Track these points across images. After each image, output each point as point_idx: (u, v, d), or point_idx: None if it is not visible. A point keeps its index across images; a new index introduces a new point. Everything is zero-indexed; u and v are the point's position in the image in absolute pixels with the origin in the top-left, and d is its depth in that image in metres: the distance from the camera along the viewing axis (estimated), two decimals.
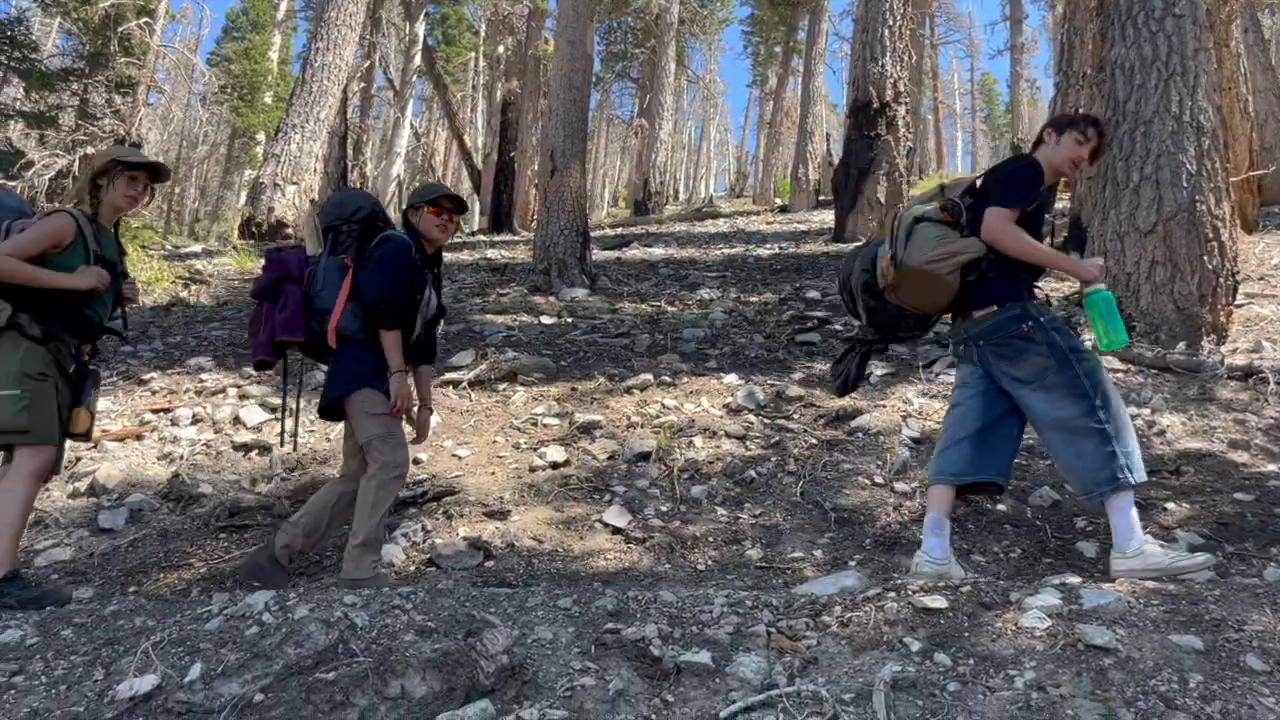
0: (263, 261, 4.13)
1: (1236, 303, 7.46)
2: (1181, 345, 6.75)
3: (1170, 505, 4.67)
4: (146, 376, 7.00)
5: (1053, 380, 3.60)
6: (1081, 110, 8.85)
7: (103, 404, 6.44)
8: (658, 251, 15.37)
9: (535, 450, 5.68)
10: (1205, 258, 6.95)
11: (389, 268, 3.95)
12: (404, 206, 4.32)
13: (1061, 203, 16.68)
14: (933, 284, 3.70)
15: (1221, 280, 7.00)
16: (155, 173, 3.97)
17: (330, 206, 4.18)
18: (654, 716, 2.34)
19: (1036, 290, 3.86)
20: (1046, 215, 3.92)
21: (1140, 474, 3.53)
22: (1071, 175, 3.91)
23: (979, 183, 3.82)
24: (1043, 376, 3.61)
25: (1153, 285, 7.03)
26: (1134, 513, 3.54)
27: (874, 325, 4.10)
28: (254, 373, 6.97)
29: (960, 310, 3.85)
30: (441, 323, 4.48)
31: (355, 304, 3.93)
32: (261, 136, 34.37)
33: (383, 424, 3.90)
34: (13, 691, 2.55)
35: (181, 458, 5.68)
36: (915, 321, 4.05)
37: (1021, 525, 4.58)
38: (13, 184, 16.52)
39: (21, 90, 22.00)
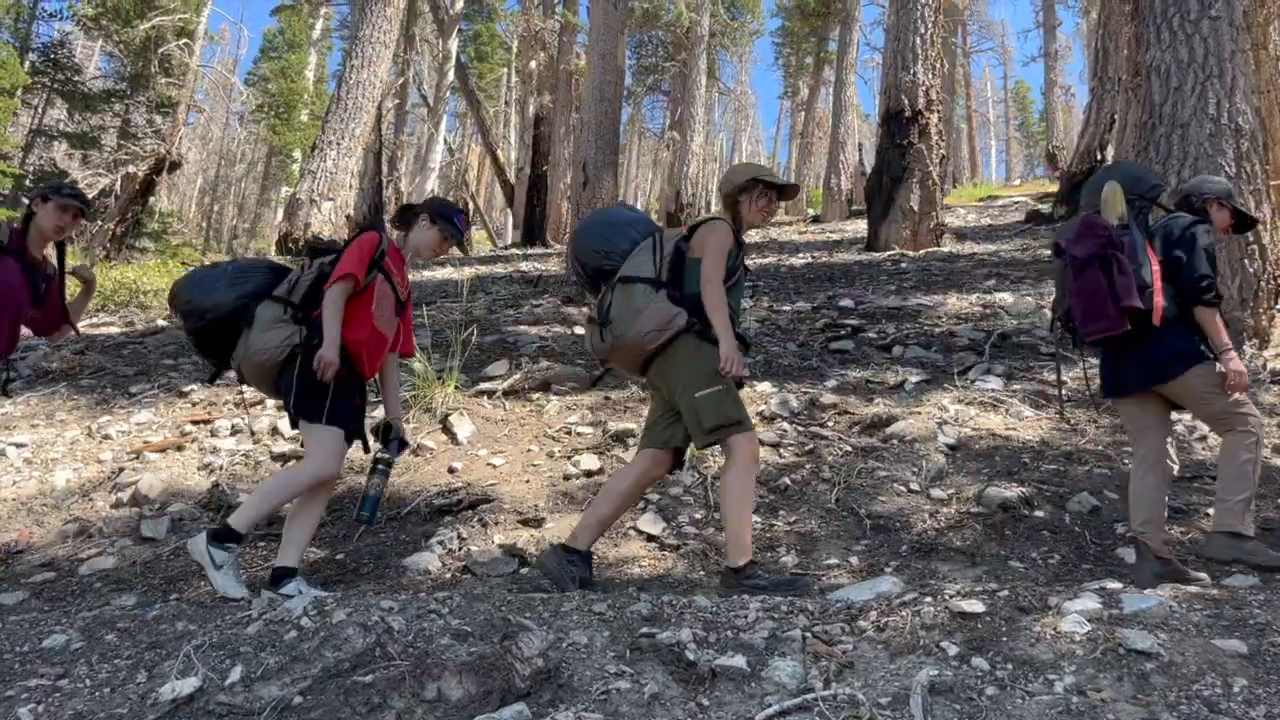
0: (1079, 226, 4.04)
1: (1278, 307, 7.34)
2: None
3: (1212, 511, 4.59)
4: (187, 389, 7.11)
5: None
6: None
7: (144, 415, 6.55)
8: None
9: (569, 458, 5.70)
10: (1245, 261, 6.85)
11: (1204, 247, 3.91)
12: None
13: None
14: None
15: (1263, 284, 6.89)
16: (783, 192, 4.12)
17: (1127, 181, 4.10)
18: None
19: None
20: None
21: None
22: None
23: None
24: None
25: None
26: None
27: None
28: None
29: None
30: None
31: (1165, 282, 3.88)
32: (298, 154, 34.86)
33: (1231, 397, 3.85)
34: (58, 694, 2.60)
35: (221, 468, 5.76)
36: None
37: (1060, 532, 4.53)
38: None
39: (65, 111, 22.49)
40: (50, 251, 4.37)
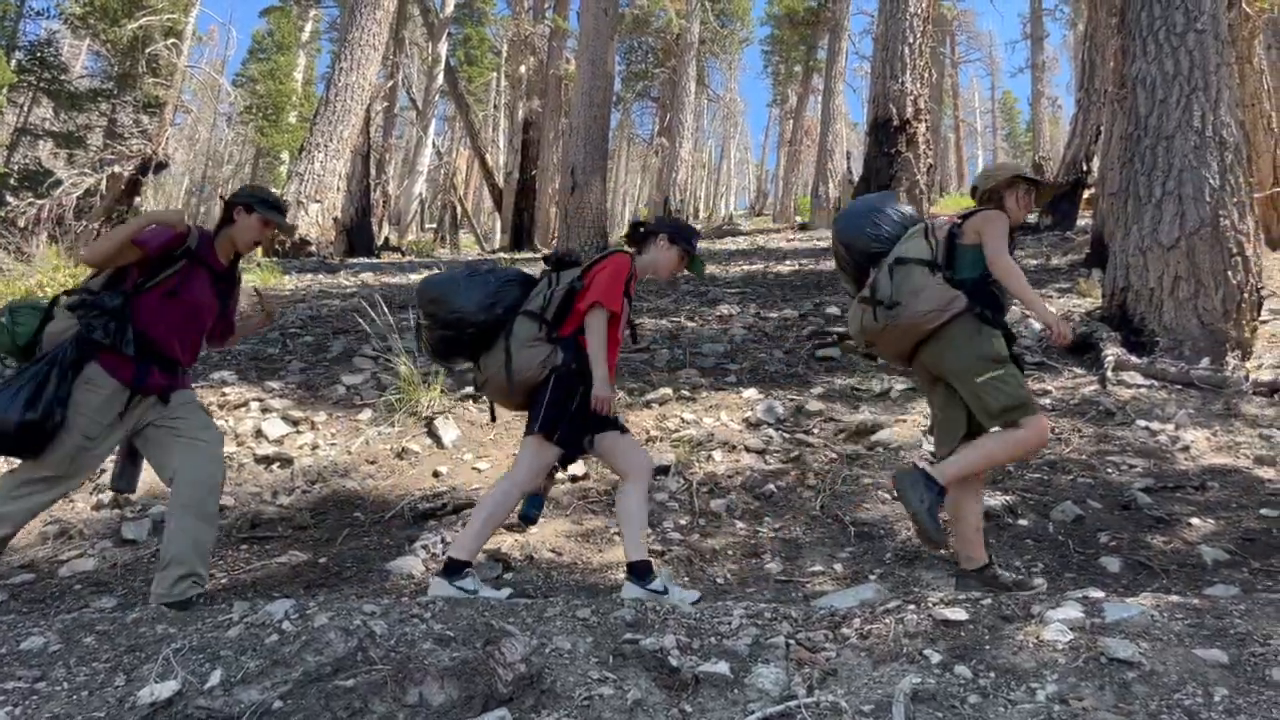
0: None
1: (1261, 318, 7.39)
2: (1205, 361, 6.69)
3: (1195, 520, 4.62)
4: None
5: None
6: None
7: None
8: None
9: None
10: (1229, 273, 6.90)
11: None
12: None
13: (1084, 220, 16.61)
14: None
15: (1246, 295, 6.94)
16: (1040, 190, 4.10)
17: None
18: None
19: None
20: None
21: None
22: None
23: None
24: None
25: (1176, 300, 6.98)
26: None
27: None
28: (275, 386, 7.02)
29: None
30: None
31: None
32: (286, 156, 34.69)
33: None
34: (35, 697, 2.57)
35: None
36: None
37: (1044, 540, 4.54)
38: (41, 202, 16.76)
39: (51, 110, 22.33)
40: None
